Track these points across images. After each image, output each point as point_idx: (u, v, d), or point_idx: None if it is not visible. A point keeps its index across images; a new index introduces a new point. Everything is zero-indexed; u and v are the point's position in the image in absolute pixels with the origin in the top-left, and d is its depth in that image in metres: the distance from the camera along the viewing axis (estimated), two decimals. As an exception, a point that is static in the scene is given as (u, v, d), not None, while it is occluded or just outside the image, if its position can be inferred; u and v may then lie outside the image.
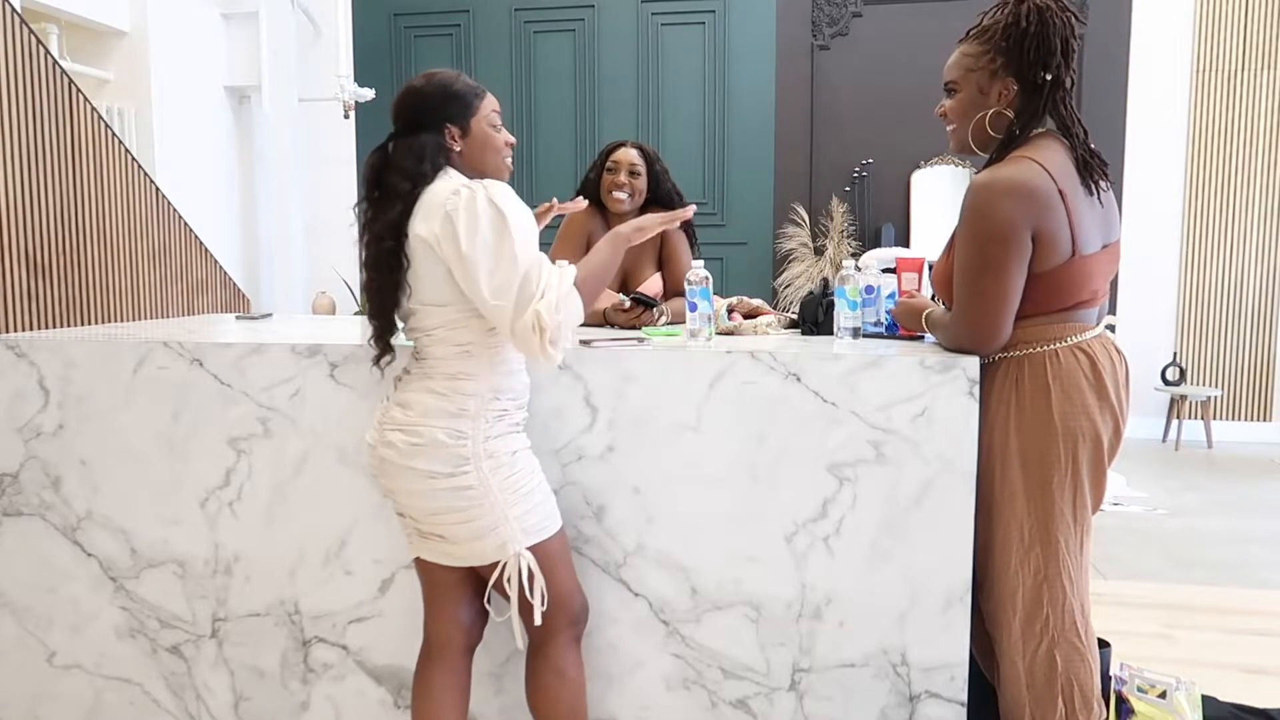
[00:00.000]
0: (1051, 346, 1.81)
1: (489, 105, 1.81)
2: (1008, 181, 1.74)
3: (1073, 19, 1.82)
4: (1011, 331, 1.82)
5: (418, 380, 1.74)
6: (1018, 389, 1.83)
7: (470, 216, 1.63)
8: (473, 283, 1.64)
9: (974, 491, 1.88)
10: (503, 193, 1.67)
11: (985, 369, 1.88)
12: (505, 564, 1.72)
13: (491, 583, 1.77)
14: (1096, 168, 1.83)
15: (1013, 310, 1.80)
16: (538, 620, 1.74)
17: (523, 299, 1.63)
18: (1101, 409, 1.81)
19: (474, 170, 1.79)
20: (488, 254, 1.63)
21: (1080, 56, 6.06)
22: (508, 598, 1.74)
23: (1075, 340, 1.82)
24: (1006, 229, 1.73)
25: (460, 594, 1.83)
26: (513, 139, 1.86)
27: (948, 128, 1.95)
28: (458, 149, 1.77)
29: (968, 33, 1.90)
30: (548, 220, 2.33)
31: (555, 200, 2.40)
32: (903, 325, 2.13)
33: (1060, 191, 1.75)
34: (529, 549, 1.73)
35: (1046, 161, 1.76)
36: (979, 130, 1.88)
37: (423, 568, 1.84)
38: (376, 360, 1.80)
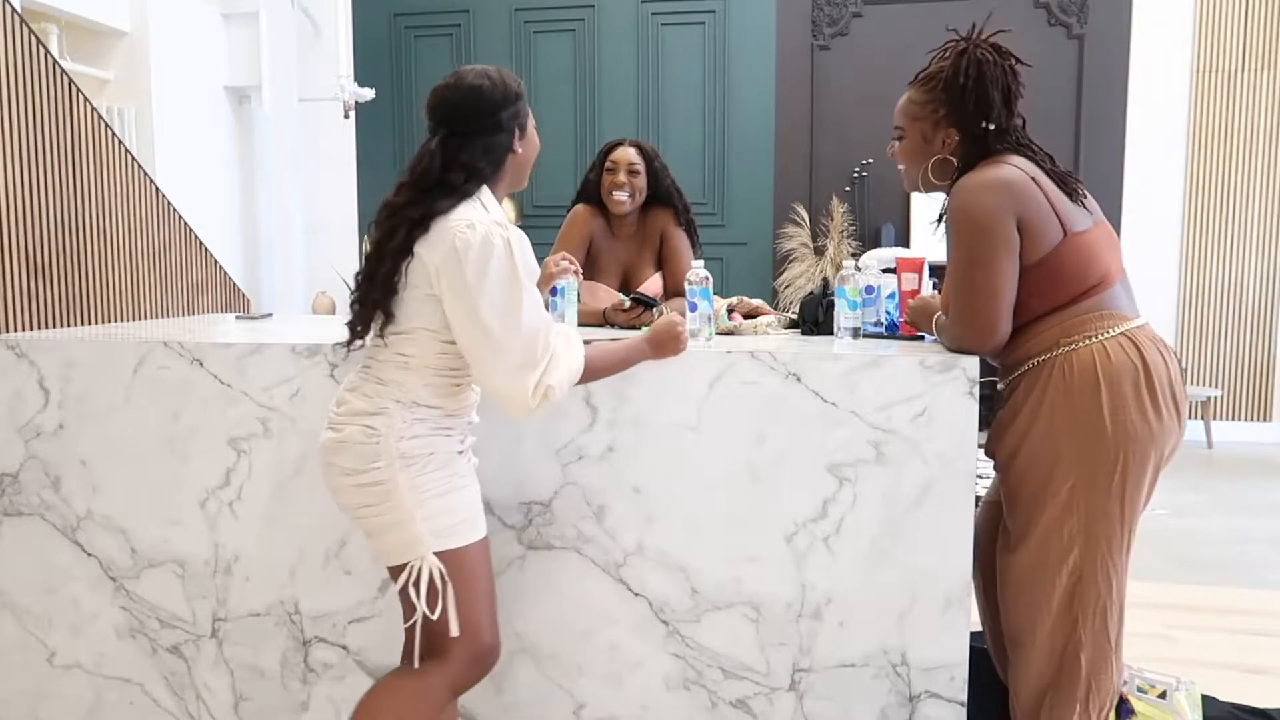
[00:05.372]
0: (1098, 339, 1.77)
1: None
2: (983, 179, 1.80)
3: (1013, 66, 1.88)
4: (1047, 330, 1.81)
5: (357, 381, 1.73)
6: (1066, 386, 1.78)
7: (483, 259, 1.59)
8: (467, 326, 1.61)
9: (973, 491, 1.88)
10: (520, 243, 1.65)
11: (1030, 371, 1.84)
12: (412, 566, 1.66)
13: (398, 588, 1.68)
14: (1072, 183, 1.87)
15: (1008, 304, 1.79)
16: (454, 630, 1.65)
17: (525, 361, 1.61)
18: (1153, 405, 1.77)
19: (517, 176, 1.79)
20: (491, 307, 1.59)
21: (1080, 57, 6.03)
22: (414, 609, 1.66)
23: (1121, 330, 1.78)
24: (989, 220, 1.77)
25: None
26: None
27: (899, 168, 2.04)
28: (519, 151, 1.76)
29: (916, 76, 1.97)
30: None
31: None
32: (915, 324, 2.12)
33: (1033, 178, 1.80)
34: (440, 555, 1.66)
35: (1012, 161, 1.84)
36: (925, 176, 1.97)
37: None
38: (347, 344, 1.75)
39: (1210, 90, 5.73)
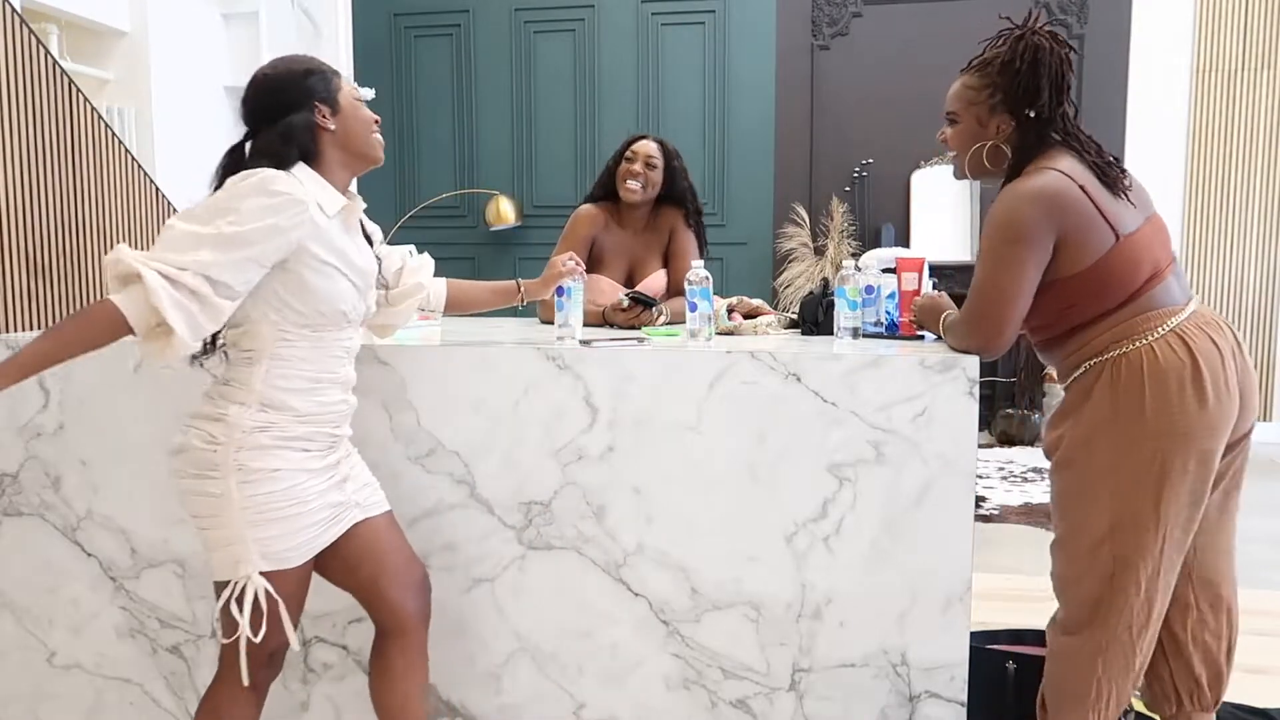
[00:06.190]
0: (1146, 341, 1.76)
1: (347, 82, 1.72)
2: (1032, 189, 1.78)
3: (1068, 54, 1.88)
4: (1099, 335, 1.79)
5: (209, 384, 1.69)
6: (1114, 390, 1.77)
7: (235, 181, 1.55)
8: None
9: (973, 491, 1.88)
10: (271, 189, 1.54)
11: (1084, 374, 1.83)
12: (237, 584, 1.60)
13: (219, 605, 1.62)
14: (1114, 175, 1.85)
15: (1019, 312, 1.79)
16: (293, 643, 1.64)
17: (169, 263, 1.49)
18: (1198, 396, 1.73)
19: (348, 153, 1.70)
20: (193, 209, 1.55)
21: (1080, 57, 6.02)
22: (234, 625, 1.61)
23: (1170, 327, 1.76)
24: (1029, 230, 1.76)
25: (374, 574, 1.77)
26: (377, 116, 1.76)
27: (949, 154, 2.01)
28: (331, 127, 1.66)
29: (970, 63, 1.94)
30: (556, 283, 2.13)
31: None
32: (921, 321, 2.12)
33: (1081, 187, 1.78)
34: (266, 575, 1.60)
35: (1063, 167, 1.81)
36: (976, 162, 1.94)
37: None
38: (195, 357, 1.71)
39: (1210, 90, 5.73)
